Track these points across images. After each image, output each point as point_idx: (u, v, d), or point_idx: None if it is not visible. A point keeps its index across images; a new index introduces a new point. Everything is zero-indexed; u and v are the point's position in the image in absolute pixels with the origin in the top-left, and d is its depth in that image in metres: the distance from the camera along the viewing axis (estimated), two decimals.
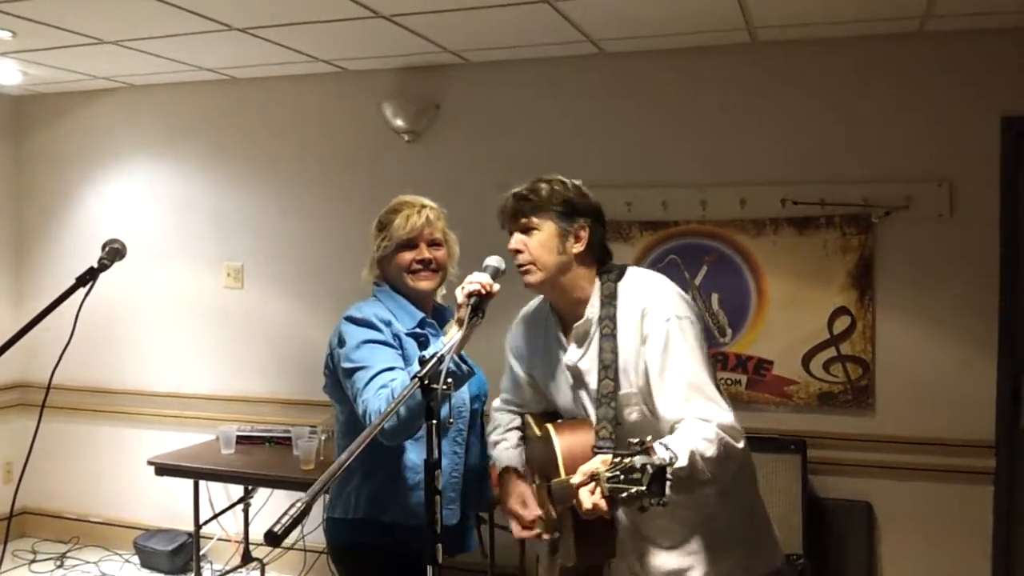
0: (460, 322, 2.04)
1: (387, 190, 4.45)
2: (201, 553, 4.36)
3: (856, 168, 3.83)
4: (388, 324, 2.29)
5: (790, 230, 3.90)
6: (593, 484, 1.79)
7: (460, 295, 2.08)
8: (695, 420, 1.95)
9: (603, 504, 1.76)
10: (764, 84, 3.97)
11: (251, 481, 4.23)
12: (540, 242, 2.16)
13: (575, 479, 1.85)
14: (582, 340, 2.18)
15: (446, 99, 4.43)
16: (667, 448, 1.79)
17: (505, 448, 2.41)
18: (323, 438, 3.89)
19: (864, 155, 3.82)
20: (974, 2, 3.34)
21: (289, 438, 4.27)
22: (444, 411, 1.77)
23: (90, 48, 4.05)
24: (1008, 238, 3.69)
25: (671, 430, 1.99)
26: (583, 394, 2.19)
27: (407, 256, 2.37)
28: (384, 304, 2.38)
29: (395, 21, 3.60)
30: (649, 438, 1.72)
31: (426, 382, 1.69)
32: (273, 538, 1.37)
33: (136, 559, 4.87)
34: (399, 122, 4.38)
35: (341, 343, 2.29)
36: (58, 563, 4.93)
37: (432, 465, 1.67)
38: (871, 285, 3.83)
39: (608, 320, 2.11)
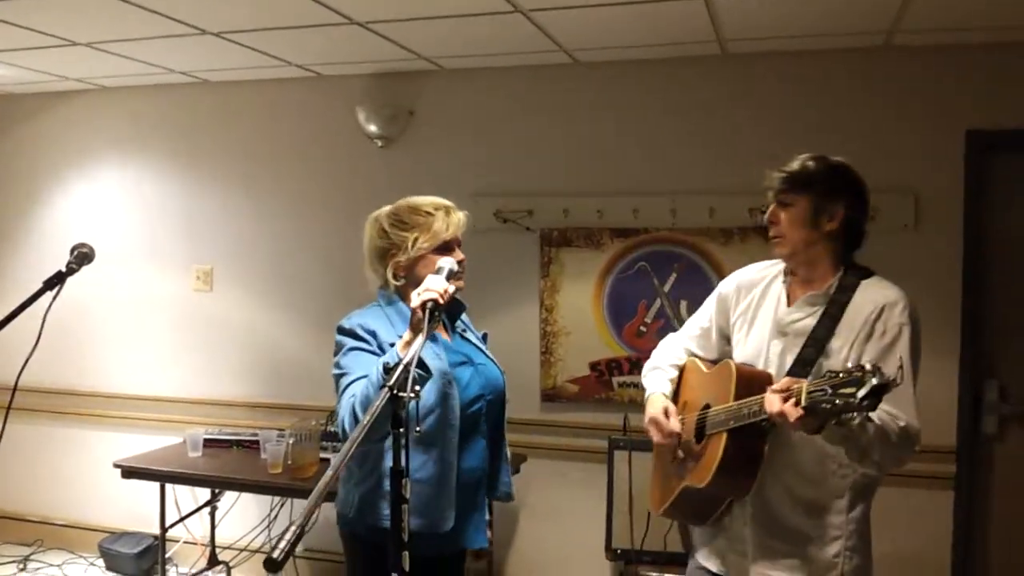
0: (416, 328, 2.06)
1: (359, 195, 4.53)
2: (167, 556, 4.33)
3: None
4: (373, 335, 2.29)
5: (758, 239, 3.93)
6: (789, 393, 1.89)
7: (416, 300, 2.10)
8: (884, 412, 2.02)
9: (797, 411, 1.85)
10: (734, 96, 4.02)
11: (218, 484, 4.22)
12: (793, 217, 2.23)
13: (775, 387, 1.94)
14: (808, 305, 2.25)
15: (420, 105, 4.45)
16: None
17: (659, 376, 2.52)
18: (291, 442, 3.88)
19: None
20: (940, 18, 3.40)
21: (257, 441, 4.26)
22: (413, 417, 1.79)
23: (62, 50, 4.02)
24: (971, 248, 3.76)
25: None
26: (776, 348, 2.26)
27: (448, 259, 2.32)
28: (384, 312, 2.37)
29: (370, 28, 3.61)
30: (875, 363, 1.80)
31: (395, 391, 1.70)
32: (273, 565, 1.37)
33: (101, 562, 4.83)
34: (372, 127, 4.39)
35: (335, 353, 2.34)
36: (21, 566, 4.87)
37: (398, 474, 1.68)
38: None
39: (838, 304, 2.19)
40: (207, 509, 4.54)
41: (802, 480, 2.20)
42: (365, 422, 1.62)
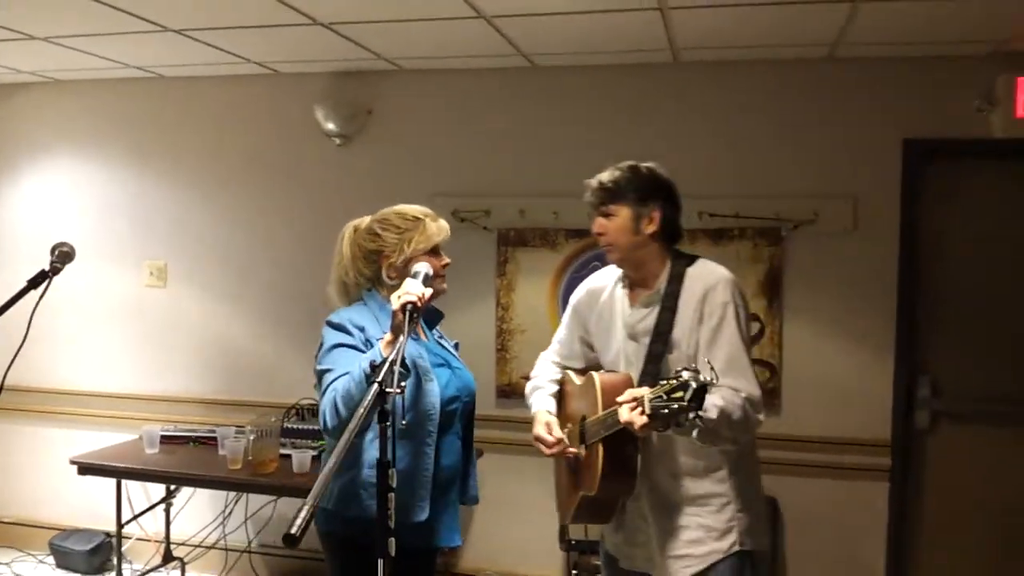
0: (398, 330, 2.15)
1: (316, 193, 4.57)
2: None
3: (768, 184, 4.05)
4: (362, 329, 2.39)
5: (706, 240, 4.08)
6: (635, 403, 2.06)
7: (396, 303, 2.18)
8: (727, 388, 2.21)
9: (643, 419, 2.04)
10: (685, 102, 4.15)
11: (176, 481, 4.21)
12: (617, 226, 2.40)
13: (621, 398, 2.12)
14: (645, 306, 2.42)
15: (378, 104, 4.49)
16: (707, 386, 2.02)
17: (541, 395, 2.67)
18: (252, 437, 3.90)
19: (776, 172, 4.04)
20: (881, 32, 3.57)
21: (214, 438, 4.27)
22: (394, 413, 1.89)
23: (18, 43, 3.98)
24: (906, 251, 3.95)
25: None
26: (632, 349, 2.43)
27: (435, 262, 2.47)
28: (370, 310, 2.47)
29: (332, 28, 3.66)
30: (694, 366, 1.99)
31: (382, 387, 1.79)
32: (292, 540, 1.50)
33: (51, 559, 4.79)
34: (330, 125, 4.42)
35: (320, 347, 2.42)
36: None
37: (385, 465, 1.77)
38: (779, 293, 4.05)
39: (671, 296, 2.37)
40: (162, 505, 4.54)
41: (682, 462, 2.39)
42: (361, 413, 1.71)
